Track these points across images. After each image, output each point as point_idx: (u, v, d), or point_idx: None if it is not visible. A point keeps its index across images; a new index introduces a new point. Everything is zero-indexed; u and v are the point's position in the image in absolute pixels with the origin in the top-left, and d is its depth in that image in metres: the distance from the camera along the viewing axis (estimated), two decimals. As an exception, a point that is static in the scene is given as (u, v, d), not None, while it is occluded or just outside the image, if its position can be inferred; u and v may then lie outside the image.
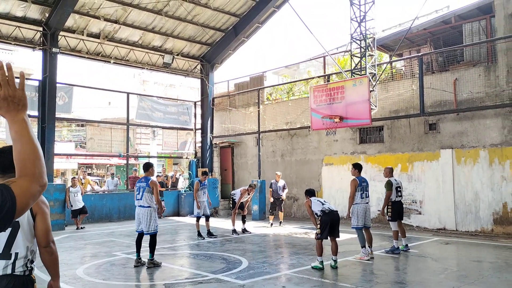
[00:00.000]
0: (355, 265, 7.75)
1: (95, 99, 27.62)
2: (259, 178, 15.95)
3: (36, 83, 14.08)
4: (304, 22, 12.99)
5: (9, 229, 2.42)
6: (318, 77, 17.55)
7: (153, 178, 8.11)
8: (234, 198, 12.05)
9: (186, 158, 20.62)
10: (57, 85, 14.13)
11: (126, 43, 16.16)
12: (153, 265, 7.66)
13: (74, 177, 14.84)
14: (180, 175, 19.45)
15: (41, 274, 6.56)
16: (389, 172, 9.19)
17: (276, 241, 10.88)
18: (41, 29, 13.79)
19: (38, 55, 14.41)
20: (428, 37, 15.44)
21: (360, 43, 12.55)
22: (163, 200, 11.36)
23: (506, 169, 10.83)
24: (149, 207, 7.72)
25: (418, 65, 12.40)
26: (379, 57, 16.84)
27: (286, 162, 16.15)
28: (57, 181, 21.34)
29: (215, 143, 18.45)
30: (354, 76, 12.67)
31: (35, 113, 13.75)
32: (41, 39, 13.84)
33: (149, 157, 22.87)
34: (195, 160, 18.52)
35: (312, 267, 7.34)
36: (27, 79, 13.40)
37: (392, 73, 14.42)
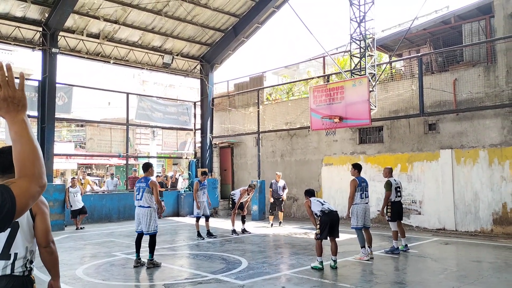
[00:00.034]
0: (355, 265, 7.75)
1: (95, 99, 27.60)
2: (259, 178, 15.96)
3: (36, 83, 14.08)
4: (304, 22, 13.00)
5: (8, 230, 2.41)
6: (318, 77, 17.56)
7: (153, 178, 8.11)
8: (233, 198, 12.04)
9: (186, 158, 20.61)
10: (57, 85, 14.12)
11: (125, 43, 16.16)
12: (153, 265, 7.66)
13: (74, 178, 14.83)
14: (179, 175, 19.45)
15: (40, 275, 6.56)
16: (389, 172, 9.19)
17: (276, 241, 10.88)
18: (40, 29, 13.78)
19: (37, 55, 14.42)
20: (428, 37, 15.44)
21: (360, 43, 12.56)
22: (163, 200, 11.35)
23: (506, 169, 10.83)
24: (149, 207, 7.72)
25: (417, 65, 12.40)
26: (379, 57, 16.84)
27: (285, 162, 16.15)
28: (57, 181, 21.34)
29: (215, 143, 18.45)
30: (353, 76, 12.67)
31: (35, 113, 13.75)
32: (41, 39, 13.84)
33: (148, 157, 22.87)
34: (195, 160, 18.51)
35: (312, 268, 7.34)
36: (26, 79, 13.40)
37: (391, 73, 14.43)
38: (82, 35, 14.93)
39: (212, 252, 9.22)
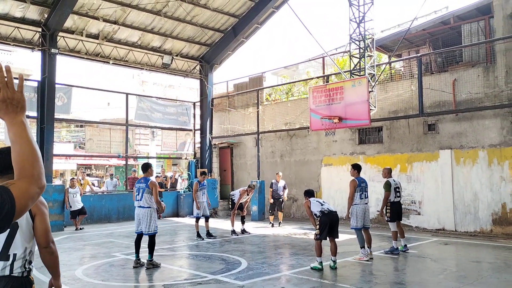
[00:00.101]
0: (354, 265, 7.75)
1: (94, 99, 27.59)
2: (258, 179, 15.96)
3: (35, 84, 14.08)
4: (303, 23, 13.00)
5: (7, 230, 2.41)
6: (317, 77, 17.57)
7: (152, 178, 8.11)
8: (233, 198, 12.04)
9: (185, 158, 20.61)
10: (56, 85, 14.12)
11: (125, 44, 16.16)
12: (152, 266, 7.66)
13: (73, 178, 14.82)
14: (179, 176, 19.44)
15: (40, 275, 6.56)
16: (388, 172, 9.19)
17: (276, 241, 10.88)
18: (40, 29, 13.78)
19: (37, 55, 14.42)
20: (427, 37, 15.45)
21: (359, 44, 12.56)
22: (162, 201, 11.35)
23: (505, 169, 10.84)
24: (149, 207, 7.72)
25: (417, 65, 12.41)
26: (378, 57, 16.85)
27: (285, 163, 16.15)
28: (56, 182, 21.31)
29: (214, 144, 18.45)
30: (353, 77, 12.67)
31: (34, 113, 13.75)
32: (40, 39, 13.83)
33: (148, 157, 22.85)
34: (194, 160, 18.51)
35: (311, 268, 7.34)
36: (26, 80, 13.39)
37: (391, 73, 14.44)
38: (82, 35, 14.93)
39: (212, 252, 9.22)
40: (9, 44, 14.10)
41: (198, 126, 18.99)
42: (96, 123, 19.41)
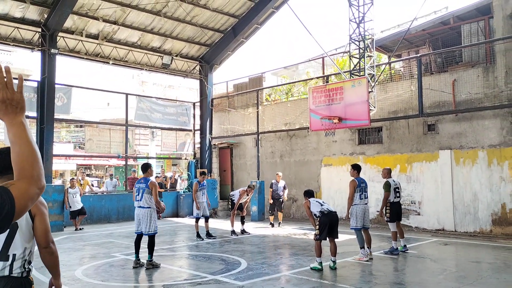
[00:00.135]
0: (354, 266, 7.75)
1: (94, 100, 27.60)
2: (258, 179, 15.96)
3: (35, 84, 14.08)
4: (303, 23, 13.00)
5: (7, 230, 2.41)
6: (317, 78, 17.57)
7: (152, 178, 8.11)
8: (233, 199, 12.04)
9: (185, 159, 20.61)
10: (56, 86, 14.12)
11: (125, 44, 16.16)
12: (152, 266, 7.66)
13: (73, 178, 14.82)
14: (178, 176, 19.43)
15: (39, 276, 6.56)
16: (387, 173, 9.19)
17: (275, 242, 10.88)
18: (39, 30, 13.78)
19: (36, 56, 14.42)
20: (427, 38, 15.46)
21: (359, 44, 12.56)
22: (162, 201, 11.35)
23: (505, 169, 10.84)
24: (149, 207, 7.72)
25: (416, 66, 12.41)
26: (378, 58, 16.85)
27: (285, 163, 16.15)
28: (56, 182, 21.30)
29: (214, 144, 18.44)
30: (353, 77, 12.68)
31: (34, 114, 13.75)
32: (40, 40, 13.83)
33: (148, 158, 22.86)
34: (194, 161, 18.51)
35: (311, 268, 7.34)
36: (25, 80, 13.40)
37: (391, 74, 14.44)
38: (81, 35, 14.93)
39: (212, 253, 9.22)
40: (9, 44, 14.10)
41: (198, 127, 18.99)
42: (95, 123, 19.41)
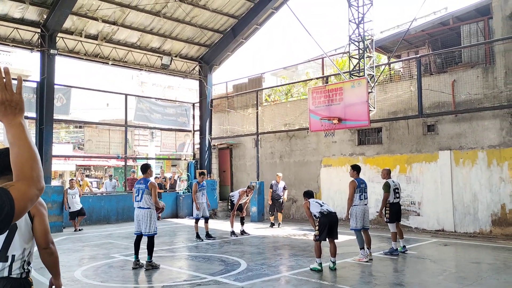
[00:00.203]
0: (354, 266, 7.75)
1: (93, 100, 27.60)
2: (258, 180, 15.95)
3: (34, 85, 14.06)
4: (302, 24, 13.00)
5: (6, 231, 2.40)
6: (317, 78, 17.57)
7: (152, 179, 8.10)
8: (232, 199, 12.03)
9: (185, 159, 20.59)
10: (55, 86, 14.11)
11: (124, 45, 16.15)
12: (151, 267, 7.65)
13: (72, 179, 14.81)
14: (178, 176, 19.42)
15: (39, 277, 6.54)
16: (387, 173, 9.19)
17: (275, 242, 10.87)
18: (39, 30, 13.77)
19: (36, 56, 14.40)
20: (426, 38, 15.46)
21: (359, 45, 12.57)
22: (161, 202, 11.34)
23: (504, 170, 10.84)
24: (148, 208, 7.71)
25: (416, 66, 12.41)
26: (378, 58, 16.87)
27: (284, 164, 16.15)
28: (55, 183, 21.29)
29: (214, 145, 18.44)
30: (352, 78, 12.68)
31: (33, 114, 13.73)
32: (39, 40, 13.82)
33: (147, 158, 22.85)
34: (194, 161, 18.50)
35: (311, 269, 7.33)
36: (24, 80, 13.37)
37: (390, 74, 14.45)
38: (81, 36, 14.92)
39: (211, 253, 9.21)
40: (8, 45, 14.09)
41: (197, 127, 18.98)
42: (95, 124, 19.37)
